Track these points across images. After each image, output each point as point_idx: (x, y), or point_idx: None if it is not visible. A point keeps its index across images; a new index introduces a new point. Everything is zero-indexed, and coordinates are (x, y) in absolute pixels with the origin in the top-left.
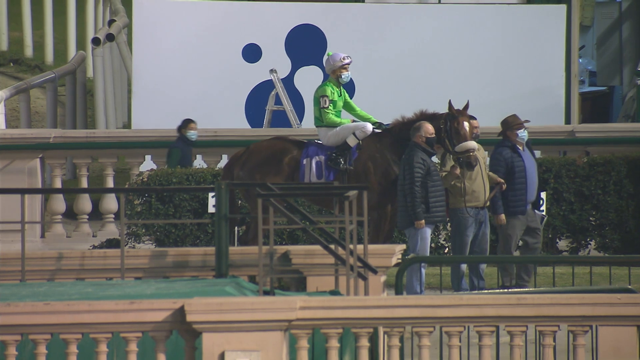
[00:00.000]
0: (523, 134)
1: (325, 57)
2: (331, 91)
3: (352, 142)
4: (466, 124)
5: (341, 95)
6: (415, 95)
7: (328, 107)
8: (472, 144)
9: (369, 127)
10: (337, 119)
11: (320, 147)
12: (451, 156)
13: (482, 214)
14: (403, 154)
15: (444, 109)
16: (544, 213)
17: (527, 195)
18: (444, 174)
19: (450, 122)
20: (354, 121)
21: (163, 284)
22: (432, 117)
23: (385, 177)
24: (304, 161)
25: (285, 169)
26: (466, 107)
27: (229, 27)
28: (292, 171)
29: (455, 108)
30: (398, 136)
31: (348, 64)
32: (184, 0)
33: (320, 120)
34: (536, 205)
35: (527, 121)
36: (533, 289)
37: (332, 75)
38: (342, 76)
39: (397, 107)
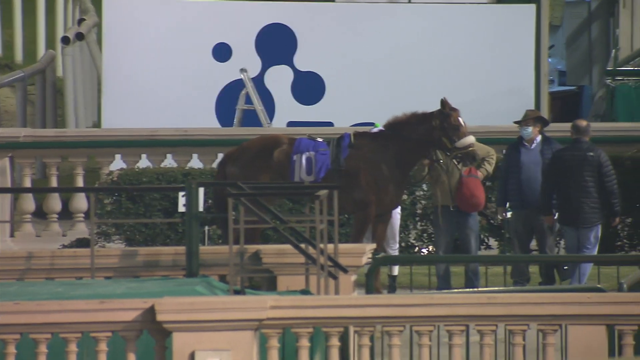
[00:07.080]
0: (526, 130)
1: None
2: None
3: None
4: (461, 119)
5: None
6: (387, 94)
7: None
8: (472, 137)
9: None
10: None
11: (311, 142)
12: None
13: (461, 212)
14: (395, 155)
15: (421, 108)
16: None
17: (521, 191)
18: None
19: (445, 120)
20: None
21: (133, 283)
22: (423, 117)
23: (375, 177)
24: (294, 157)
25: (275, 165)
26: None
27: (199, 26)
28: (282, 167)
29: (448, 105)
30: (391, 136)
31: None
32: None
33: None
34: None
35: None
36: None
37: None
38: None
39: (369, 106)
